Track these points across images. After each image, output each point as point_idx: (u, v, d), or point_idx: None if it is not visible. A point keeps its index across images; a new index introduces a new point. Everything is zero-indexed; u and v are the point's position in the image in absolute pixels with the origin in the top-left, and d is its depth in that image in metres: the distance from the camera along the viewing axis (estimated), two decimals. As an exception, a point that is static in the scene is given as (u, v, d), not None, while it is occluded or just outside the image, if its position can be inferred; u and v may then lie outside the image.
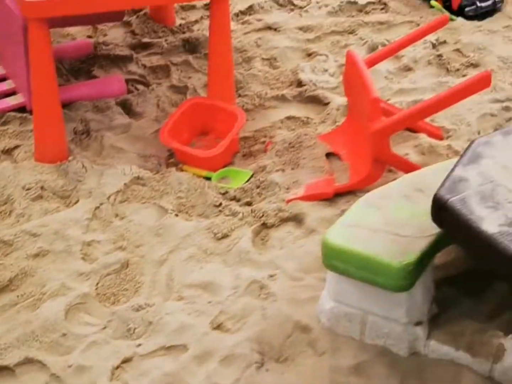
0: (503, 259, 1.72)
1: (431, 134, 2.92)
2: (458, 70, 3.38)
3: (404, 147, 2.86)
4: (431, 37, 3.46)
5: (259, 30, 3.68)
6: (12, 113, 3.04)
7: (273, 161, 2.80)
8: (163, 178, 2.73)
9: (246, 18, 3.77)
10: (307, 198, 2.63)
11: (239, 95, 3.17)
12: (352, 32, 3.66)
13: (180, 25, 3.68)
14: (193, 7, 3.84)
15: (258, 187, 2.70)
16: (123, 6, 2.98)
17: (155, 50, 3.52)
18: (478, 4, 3.76)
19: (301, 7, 3.89)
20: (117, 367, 2.07)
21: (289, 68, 3.37)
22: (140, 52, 3.51)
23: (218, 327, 2.18)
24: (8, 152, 2.88)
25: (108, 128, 3.02)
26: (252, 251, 2.44)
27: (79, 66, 3.41)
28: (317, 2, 3.91)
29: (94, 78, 3.32)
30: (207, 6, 3.68)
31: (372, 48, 3.47)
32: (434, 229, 2.00)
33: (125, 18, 3.66)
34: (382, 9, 3.87)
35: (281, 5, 3.91)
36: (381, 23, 3.73)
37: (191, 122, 2.92)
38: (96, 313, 2.24)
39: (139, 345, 2.12)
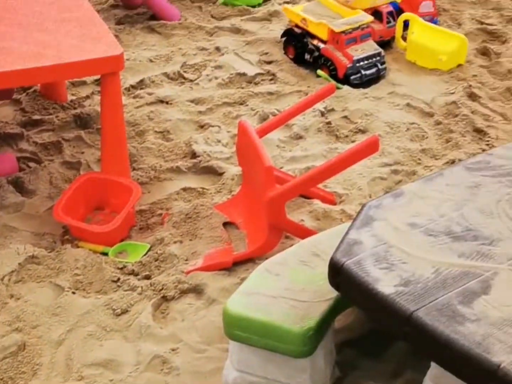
0: (400, 319, 1.76)
1: (324, 200, 2.98)
2: (347, 136, 3.47)
3: (299, 213, 2.91)
4: (320, 106, 3.55)
5: (151, 103, 3.70)
6: None
7: (171, 233, 2.79)
8: (59, 255, 2.68)
9: (138, 92, 3.79)
10: (206, 268, 2.63)
11: (134, 169, 3.17)
12: (243, 103, 3.73)
13: (71, 101, 3.66)
14: (83, 83, 3.83)
15: (156, 260, 2.68)
16: (11, 84, 2.95)
17: (47, 127, 3.48)
18: (363, 72, 3.90)
19: (191, 80, 3.94)
20: None
21: (183, 140, 3.39)
22: (31, 129, 3.46)
23: (121, 405, 2.13)
24: None
25: (0, 208, 2.95)
26: (152, 326, 2.41)
27: (-33, 145, 3.34)
28: (207, 75, 3.96)
29: (-16, 157, 3.25)
30: (97, 82, 3.69)
31: (263, 118, 3.54)
32: (332, 293, 2.02)
33: (15, 96, 3.62)
34: (271, 80, 3.96)
35: (171, 79, 3.95)
36: (270, 93, 3.81)
37: (86, 198, 2.89)
38: (-8, 400, 2.16)
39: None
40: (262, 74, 3.99)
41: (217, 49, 4.24)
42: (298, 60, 4.09)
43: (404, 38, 4.25)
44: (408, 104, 3.72)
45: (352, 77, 3.88)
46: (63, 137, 3.39)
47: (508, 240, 1.97)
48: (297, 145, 3.41)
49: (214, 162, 3.22)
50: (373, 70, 3.93)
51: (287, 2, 4.81)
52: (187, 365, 2.26)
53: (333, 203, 2.99)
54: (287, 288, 2.12)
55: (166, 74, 3.96)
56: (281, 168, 3.18)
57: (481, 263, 1.90)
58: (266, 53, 4.21)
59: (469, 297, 1.79)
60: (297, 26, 4.13)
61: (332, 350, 2.16)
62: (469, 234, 2.00)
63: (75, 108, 3.61)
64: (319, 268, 2.15)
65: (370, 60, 3.91)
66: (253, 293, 2.11)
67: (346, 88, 3.83)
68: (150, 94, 3.77)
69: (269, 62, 4.13)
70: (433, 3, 4.50)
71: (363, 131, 3.49)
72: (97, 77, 3.58)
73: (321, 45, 3.97)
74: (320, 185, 2.95)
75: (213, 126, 3.51)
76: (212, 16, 4.71)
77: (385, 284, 1.82)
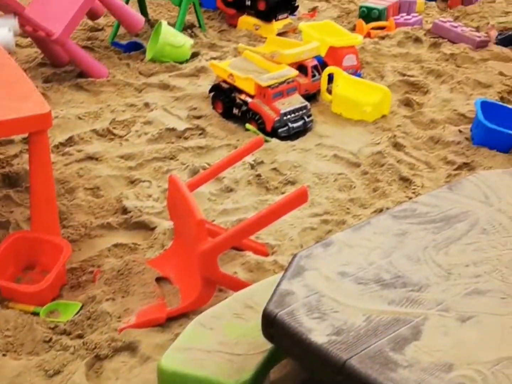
0: (333, 368, 1.78)
1: (256, 251, 3.00)
2: (277, 188, 3.52)
3: (232, 266, 2.92)
4: (249, 158, 3.60)
5: (80, 160, 3.69)
6: None
7: (103, 290, 2.77)
8: (-12, 317, 2.63)
9: (67, 149, 3.77)
10: (139, 325, 2.60)
11: (64, 226, 3.14)
12: (173, 157, 3.75)
13: (-1, 160, 3.63)
14: (11, 142, 3.80)
15: (88, 318, 2.64)
16: None
17: (-26, 187, 3.44)
18: (290, 125, 3.97)
19: (121, 136, 3.95)
20: None
21: (113, 196, 3.38)
22: (-43, 189, 3.42)
23: None
24: None
25: None
26: (86, 385, 2.37)
27: None
28: (137, 131, 3.98)
29: None
30: (25, 140, 3.66)
31: (194, 172, 3.56)
32: (267, 345, 2.03)
33: None
34: (200, 134, 3.99)
35: (101, 135, 3.95)
36: (200, 147, 3.84)
37: (16, 257, 2.85)
38: None
39: None
40: (191, 129, 4.03)
41: (146, 105, 4.28)
42: (227, 114, 4.14)
43: (329, 91, 4.35)
44: (335, 155, 3.80)
45: (280, 130, 3.95)
46: (-9, 197, 3.35)
47: (435, 285, 2.02)
48: (228, 197, 3.43)
49: (146, 217, 3.22)
50: (300, 122, 4.01)
51: (214, 58, 4.89)
52: (122, 424, 2.23)
53: (265, 254, 3.01)
54: (222, 342, 2.12)
55: (95, 131, 3.96)
56: (213, 221, 3.20)
57: (411, 309, 1.93)
58: (195, 108, 4.26)
59: (400, 343, 1.82)
60: (224, 81, 4.19)
61: (269, 402, 2.16)
62: (398, 281, 2.04)
63: (3, 167, 3.58)
64: (253, 320, 2.15)
65: (297, 113, 3.99)
66: (188, 349, 2.10)
67: (274, 141, 3.89)
68: (79, 151, 3.76)
69: (198, 117, 4.18)
70: (356, 56, 4.63)
71: (292, 183, 3.54)
72: (25, 135, 3.56)
73: (249, 100, 4.03)
74: (252, 237, 2.97)
75: (143, 181, 3.52)
76: (140, 73, 4.75)
77: (318, 334, 1.84)
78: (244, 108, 4.06)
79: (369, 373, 1.73)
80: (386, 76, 4.76)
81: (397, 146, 3.90)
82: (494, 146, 3.82)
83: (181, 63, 4.88)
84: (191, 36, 5.32)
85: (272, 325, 1.92)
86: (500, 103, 4.28)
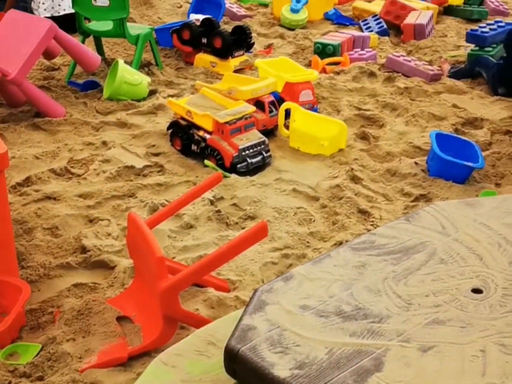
0: (297, 402, 1.77)
1: (218, 287, 2.99)
2: (237, 223, 3.53)
3: (194, 303, 2.91)
4: (208, 194, 3.61)
5: (38, 200, 3.66)
6: None
7: (63, 331, 2.73)
8: None
9: (24, 189, 3.75)
10: (101, 365, 2.57)
11: (22, 267, 3.10)
12: (132, 195, 3.74)
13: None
14: (-33, 183, 3.77)
15: (49, 359, 2.61)
16: None
17: None
18: (249, 160, 3.99)
19: (79, 175, 3.93)
20: None
21: (72, 236, 3.35)
22: None
23: None
24: None
25: None
26: (47, 428, 2.33)
27: None
28: (95, 169, 3.97)
29: None
30: (-18, 181, 3.63)
31: (153, 209, 3.55)
32: (230, 381, 2.02)
33: None
34: (159, 171, 4.00)
35: (58, 175, 3.93)
36: (159, 184, 3.84)
37: (-27, 300, 2.81)
38: None
39: None
40: (150, 166, 4.03)
41: (104, 143, 4.27)
42: (185, 151, 4.16)
43: (286, 126, 4.39)
44: (294, 189, 3.82)
45: (238, 166, 3.97)
46: None
47: (396, 316, 2.03)
48: (188, 234, 3.43)
49: (105, 256, 3.20)
50: (259, 158, 4.03)
51: (172, 95, 4.91)
52: None
53: (226, 290, 3.01)
54: (184, 380, 2.10)
55: (53, 170, 3.94)
56: (173, 258, 3.19)
57: (372, 341, 1.94)
58: (153, 146, 4.27)
59: (362, 375, 1.82)
60: (182, 118, 4.21)
61: None
62: (359, 313, 2.05)
63: (-41, 209, 3.53)
64: (215, 357, 2.14)
65: (255, 149, 4.02)
66: (150, 387, 2.08)
67: (233, 176, 3.91)
68: (37, 191, 3.74)
69: (157, 154, 4.18)
70: (312, 91, 4.69)
71: (252, 218, 3.55)
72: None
73: (207, 136, 4.06)
74: (213, 273, 2.97)
75: (102, 220, 3.50)
76: (97, 111, 4.75)
77: (281, 368, 1.84)
78: (202, 144, 4.08)
79: (333, 406, 1.73)
80: (342, 110, 4.83)
81: (354, 179, 3.94)
82: (449, 177, 3.88)
83: (138, 101, 4.89)
84: (148, 74, 5.34)
85: (234, 361, 1.91)
86: (455, 135, 4.36)
